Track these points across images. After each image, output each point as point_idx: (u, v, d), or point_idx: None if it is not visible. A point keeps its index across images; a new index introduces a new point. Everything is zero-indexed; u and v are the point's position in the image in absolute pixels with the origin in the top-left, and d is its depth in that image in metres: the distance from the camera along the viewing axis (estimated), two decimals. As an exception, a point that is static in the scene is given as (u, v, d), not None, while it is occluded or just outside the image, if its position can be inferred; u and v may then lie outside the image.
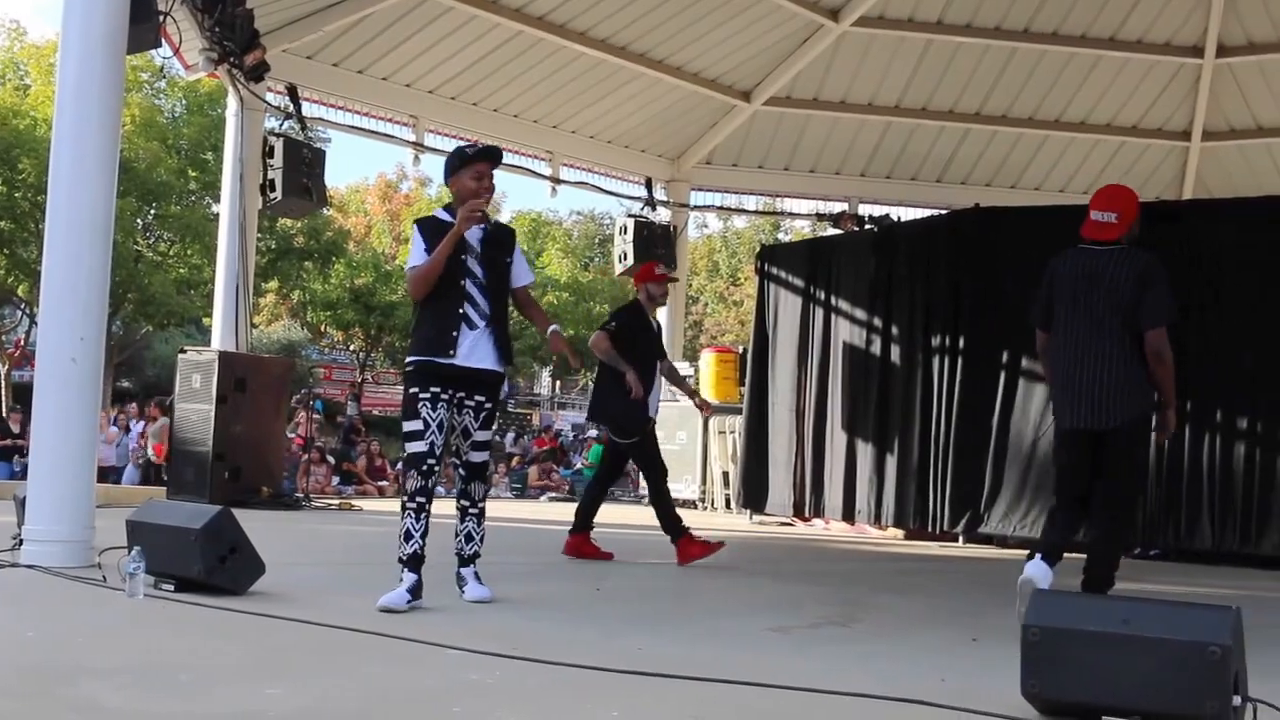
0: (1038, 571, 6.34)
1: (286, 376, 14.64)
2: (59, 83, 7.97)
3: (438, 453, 6.25)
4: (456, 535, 6.52)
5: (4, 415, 18.00)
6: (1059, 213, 14.48)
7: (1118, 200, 6.86)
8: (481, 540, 6.54)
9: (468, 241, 6.31)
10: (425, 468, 6.21)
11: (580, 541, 9.51)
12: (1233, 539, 10.88)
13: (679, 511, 9.43)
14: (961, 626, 6.61)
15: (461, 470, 6.54)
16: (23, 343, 29.84)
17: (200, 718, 3.85)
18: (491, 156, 6.54)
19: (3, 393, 27.16)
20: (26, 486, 7.64)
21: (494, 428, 6.67)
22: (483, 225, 6.37)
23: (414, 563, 6.18)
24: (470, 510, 6.48)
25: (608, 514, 9.76)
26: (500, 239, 6.57)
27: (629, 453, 9.82)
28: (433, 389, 6.26)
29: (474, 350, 6.30)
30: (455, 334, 6.24)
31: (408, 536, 6.21)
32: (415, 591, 6.11)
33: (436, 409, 6.24)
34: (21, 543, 7.30)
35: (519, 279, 6.60)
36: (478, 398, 6.40)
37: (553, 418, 45.48)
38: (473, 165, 6.38)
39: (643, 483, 18.56)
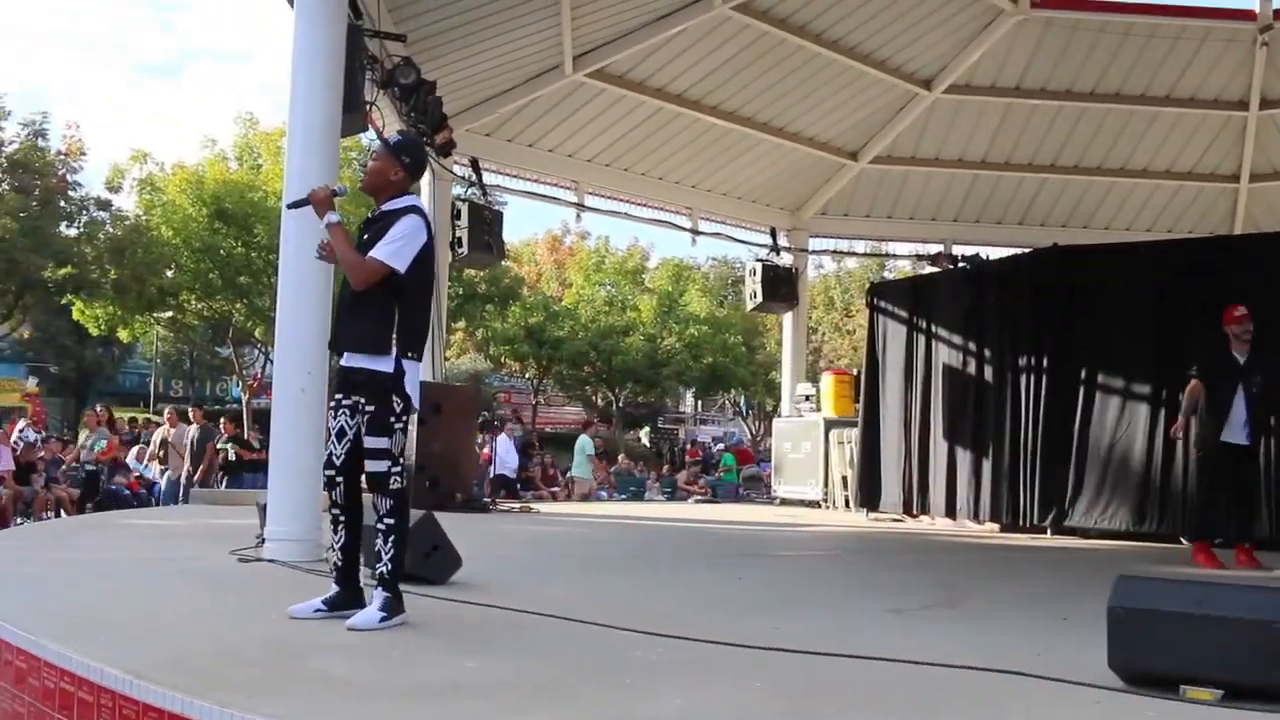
0: None
1: (473, 401, 14.82)
2: (287, 162, 8.18)
3: (336, 462, 5.11)
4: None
5: (247, 436, 18.60)
6: (1125, 249, 14.20)
7: None
8: (392, 560, 5.00)
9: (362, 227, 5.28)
10: (325, 478, 5.18)
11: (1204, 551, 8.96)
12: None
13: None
14: (1053, 608, 6.43)
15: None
16: (260, 376, 30.65)
17: (407, 685, 3.91)
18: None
19: (246, 417, 27.90)
20: (266, 495, 7.81)
21: (390, 437, 5.03)
22: (377, 208, 5.23)
23: (335, 573, 5.23)
24: (377, 526, 5.05)
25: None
26: (374, 218, 5.21)
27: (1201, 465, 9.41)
28: (337, 395, 5.16)
29: (340, 341, 5.18)
30: (332, 321, 5.20)
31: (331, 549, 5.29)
32: (330, 602, 5.12)
33: (337, 416, 5.12)
34: (263, 541, 7.48)
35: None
36: (357, 398, 5.05)
37: (696, 432, 45.59)
38: None
39: (774, 485, 18.50)
